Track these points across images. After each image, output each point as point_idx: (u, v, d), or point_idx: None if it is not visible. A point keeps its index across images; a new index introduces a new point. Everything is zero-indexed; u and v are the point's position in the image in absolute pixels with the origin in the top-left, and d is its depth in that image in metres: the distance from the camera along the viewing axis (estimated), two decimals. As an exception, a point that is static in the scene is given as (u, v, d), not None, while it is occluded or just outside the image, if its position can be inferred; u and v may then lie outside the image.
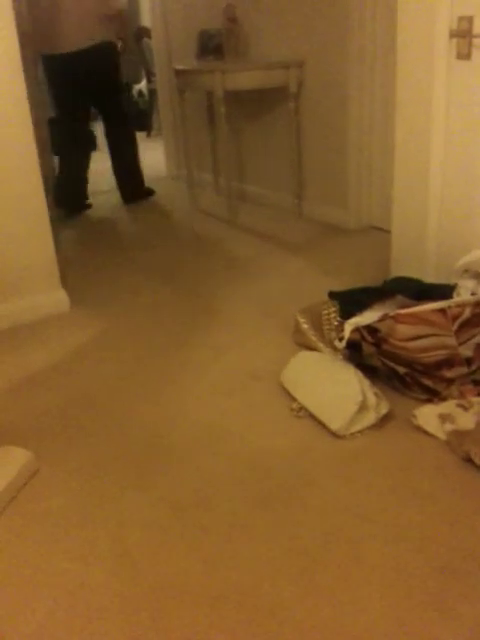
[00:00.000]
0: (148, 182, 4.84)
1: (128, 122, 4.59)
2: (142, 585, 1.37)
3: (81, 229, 4.13)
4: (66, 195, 4.47)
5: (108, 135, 4.51)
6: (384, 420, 1.87)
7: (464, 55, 2.20)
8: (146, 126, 8.13)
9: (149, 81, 7.94)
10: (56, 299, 2.79)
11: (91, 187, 4.67)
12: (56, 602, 1.34)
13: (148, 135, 8.17)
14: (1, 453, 1.75)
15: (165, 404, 2.07)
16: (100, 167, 6.10)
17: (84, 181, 4.55)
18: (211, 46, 4.21)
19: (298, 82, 3.72)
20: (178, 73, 4.13)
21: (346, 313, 2.21)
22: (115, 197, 4.79)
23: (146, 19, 7.72)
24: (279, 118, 4.03)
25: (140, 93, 8.44)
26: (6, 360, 2.42)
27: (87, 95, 4.33)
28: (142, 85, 8.40)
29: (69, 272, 3.17)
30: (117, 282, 3.14)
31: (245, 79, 3.68)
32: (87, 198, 4.62)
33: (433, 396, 1.94)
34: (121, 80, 4.48)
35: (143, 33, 7.45)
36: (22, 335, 2.61)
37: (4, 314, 2.66)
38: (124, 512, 1.59)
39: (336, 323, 2.24)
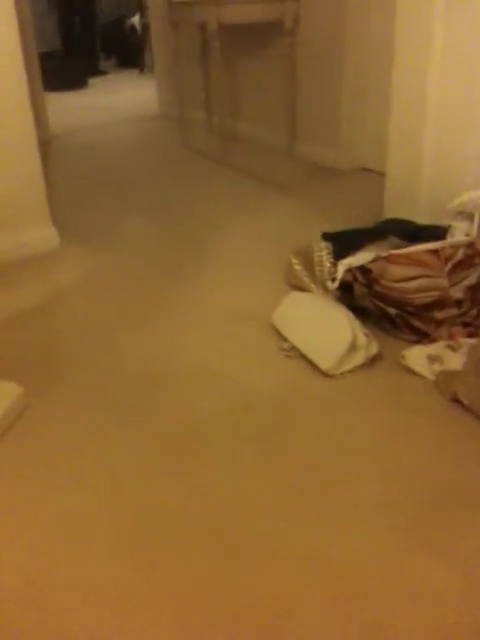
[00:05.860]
0: (140, 119, 5.14)
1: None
2: (131, 514, 1.40)
3: (71, 167, 4.06)
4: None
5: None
6: (373, 361, 1.88)
7: (466, -11, 2.14)
8: (138, 62, 7.93)
9: (142, 15, 7.70)
10: (46, 235, 2.76)
11: (75, 123, 5.10)
12: (48, 530, 1.37)
13: (141, 71, 7.98)
14: (-9, 388, 1.75)
15: (155, 342, 2.07)
16: (86, 102, 5.99)
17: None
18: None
19: (294, 17, 3.61)
20: (171, 5, 4.01)
21: (339, 254, 2.20)
22: (103, 136, 4.72)
23: None
24: (274, 55, 3.92)
25: (132, 28, 8.19)
26: (-5, 297, 2.41)
27: None
28: (135, 19, 8.15)
29: (58, 209, 3.12)
30: (107, 220, 3.10)
31: (240, 12, 3.58)
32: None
33: (423, 337, 1.95)
34: None
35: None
36: (11, 271, 2.58)
37: (-7, 250, 2.64)
38: (115, 446, 1.61)
39: (328, 264, 2.23)
